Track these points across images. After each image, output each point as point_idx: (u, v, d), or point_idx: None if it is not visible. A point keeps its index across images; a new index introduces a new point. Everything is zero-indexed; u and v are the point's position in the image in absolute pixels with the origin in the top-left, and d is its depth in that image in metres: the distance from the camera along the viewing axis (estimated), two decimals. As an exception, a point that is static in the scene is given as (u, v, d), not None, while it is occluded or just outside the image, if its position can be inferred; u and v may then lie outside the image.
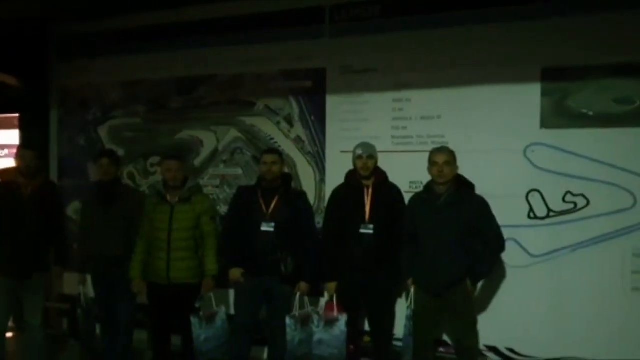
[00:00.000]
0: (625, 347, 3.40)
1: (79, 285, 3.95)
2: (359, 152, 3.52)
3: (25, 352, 3.79)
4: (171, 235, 3.58)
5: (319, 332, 3.45)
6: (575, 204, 3.54)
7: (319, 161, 4.24)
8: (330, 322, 3.44)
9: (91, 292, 4.00)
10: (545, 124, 3.59)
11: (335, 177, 3.92)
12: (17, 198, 3.59)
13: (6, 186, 3.64)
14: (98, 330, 4.03)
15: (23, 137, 5.18)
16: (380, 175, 3.59)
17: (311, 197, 4.04)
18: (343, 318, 3.42)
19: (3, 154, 8.03)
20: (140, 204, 3.83)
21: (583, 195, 3.51)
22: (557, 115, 3.57)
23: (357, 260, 3.43)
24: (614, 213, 3.45)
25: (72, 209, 4.94)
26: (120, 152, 4.76)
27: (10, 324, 3.83)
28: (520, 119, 3.64)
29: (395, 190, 3.62)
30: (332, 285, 3.52)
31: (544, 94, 3.59)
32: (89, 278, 3.99)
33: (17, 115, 5.44)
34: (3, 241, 3.60)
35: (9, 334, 3.87)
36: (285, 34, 4.29)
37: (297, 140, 4.30)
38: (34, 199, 3.63)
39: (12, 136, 7.12)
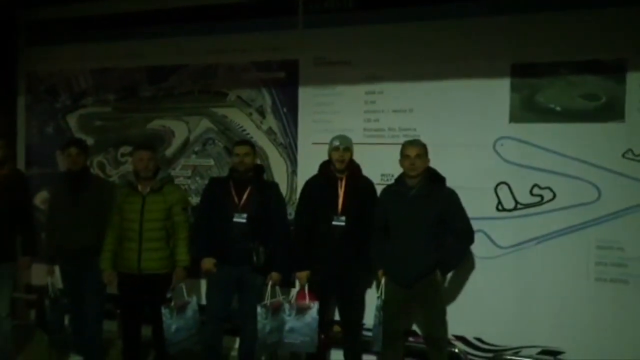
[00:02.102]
0: (590, 335, 3.49)
1: (47, 276, 3.90)
2: (336, 143, 3.53)
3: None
4: (143, 226, 3.56)
5: (290, 321, 3.48)
6: (542, 197, 3.61)
7: (290, 153, 4.23)
8: (301, 310, 3.47)
9: (59, 283, 3.95)
10: (514, 118, 3.65)
11: (307, 168, 3.93)
12: (-17, 187, 3.53)
13: (-28, 175, 3.57)
14: (66, 321, 3.98)
15: (-11, 126, 5.05)
16: (354, 168, 3.61)
17: (283, 189, 4.05)
18: (315, 306, 3.45)
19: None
20: (109, 193, 3.80)
21: (549, 189, 3.59)
22: (525, 110, 3.63)
23: (329, 251, 3.45)
24: (579, 206, 3.52)
25: (40, 198, 4.86)
26: (90, 141, 4.69)
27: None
28: (490, 113, 3.69)
29: (368, 183, 3.65)
30: (303, 274, 3.54)
31: (513, 89, 3.64)
32: (57, 269, 3.94)
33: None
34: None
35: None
36: (259, 24, 4.26)
37: (269, 132, 4.29)
38: (1, 188, 3.58)
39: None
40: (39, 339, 4.39)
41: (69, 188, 3.81)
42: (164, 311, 3.52)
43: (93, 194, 3.80)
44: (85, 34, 4.82)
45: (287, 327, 3.49)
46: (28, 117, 5.07)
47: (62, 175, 4.06)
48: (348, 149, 3.54)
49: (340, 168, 3.51)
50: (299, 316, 3.47)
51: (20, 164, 4.96)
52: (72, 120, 4.91)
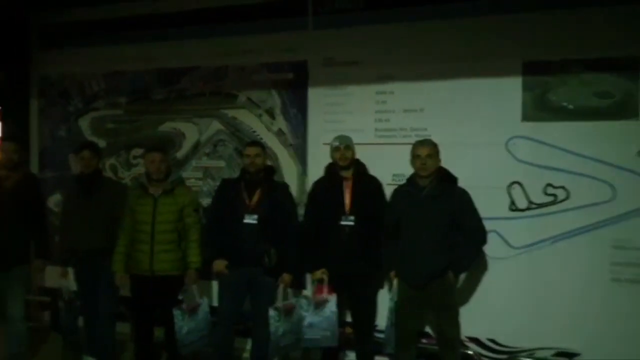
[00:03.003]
0: (606, 337, 3.44)
1: (60, 278, 3.93)
2: (336, 143, 3.53)
3: (8, 344, 3.75)
4: (154, 228, 3.57)
5: (309, 316, 3.45)
6: (556, 196, 3.57)
7: (300, 154, 4.23)
8: (320, 305, 3.45)
9: (73, 285, 3.97)
10: (526, 117, 3.62)
11: (317, 169, 3.91)
12: (-2, 190, 3.56)
13: (-13, 179, 3.61)
14: (80, 322, 4.01)
15: (4, 129, 5.10)
16: (359, 167, 3.60)
17: (293, 190, 4.03)
18: (333, 299, 3.43)
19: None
20: (122, 196, 3.81)
21: (563, 188, 3.55)
22: (538, 108, 3.59)
23: (338, 252, 3.44)
24: (594, 205, 3.48)
25: (53, 201, 4.91)
26: (102, 144, 4.72)
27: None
28: (502, 112, 3.66)
29: (374, 182, 3.63)
30: (317, 273, 3.52)
31: (525, 87, 3.61)
32: (70, 271, 3.96)
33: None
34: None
35: (-9, 327, 3.84)
36: (268, 25, 4.26)
37: (279, 133, 4.29)
38: (15, 191, 3.62)
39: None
40: (53, 340, 4.42)
41: (82, 191, 3.84)
42: (176, 313, 3.53)
43: (105, 197, 3.83)
44: (97, 37, 4.86)
45: (306, 323, 3.46)
46: (41, 120, 5.12)
47: (74, 178, 4.08)
48: (349, 147, 3.53)
49: (344, 165, 3.50)
50: (317, 311, 3.44)
51: (34, 167, 5.01)
52: (84, 123, 4.95)
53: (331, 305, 3.43)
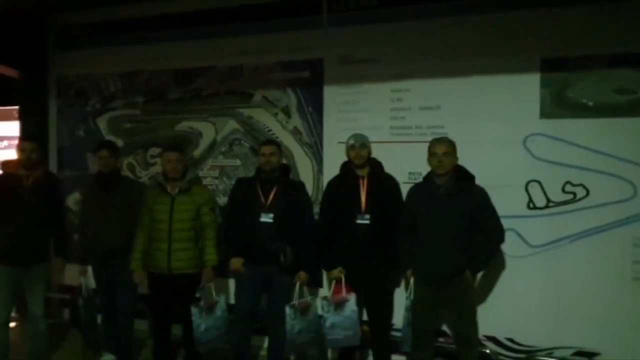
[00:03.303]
0: (627, 336, 3.40)
1: (80, 276, 3.98)
2: (352, 142, 3.52)
3: (28, 341, 3.81)
4: (172, 226, 3.59)
5: (330, 317, 3.44)
6: (575, 194, 3.53)
7: (316, 152, 4.23)
8: (339, 304, 3.44)
9: (92, 283, 4.02)
10: (544, 114, 3.58)
11: (332, 167, 3.91)
12: (18, 189, 3.61)
13: (7, 178, 3.66)
14: (99, 319, 4.05)
15: (23, 129, 5.17)
16: (375, 165, 3.59)
17: (309, 188, 4.04)
18: (352, 298, 3.43)
19: (3, 146, 8.09)
20: (139, 194, 3.83)
21: (583, 186, 3.51)
22: (556, 105, 3.55)
23: (354, 250, 3.43)
24: (614, 203, 3.44)
25: (72, 200, 4.97)
26: (120, 143, 4.77)
27: (13, 314, 3.85)
28: (520, 109, 3.63)
29: (390, 180, 3.61)
30: (334, 272, 3.51)
31: (543, 84, 3.57)
32: (89, 269, 4.01)
33: (16, 107, 5.44)
34: (4, 231, 3.62)
35: (12, 324, 3.91)
36: (283, 24, 4.27)
37: (295, 131, 4.29)
38: (35, 190, 3.65)
39: (12, 128, 7.16)
40: (73, 337, 4.49)
41: (100, 189, 3.88)
42: (193, 311, 3.55)
43: (124, 195, 3.86)
44: (114, 38, 4.91)
45: (327, 323, 3.45)
46: (59, 120, 5.19)
47: (93, 177, 4.12)
48: (364, 145, 3.52)
49: (359, 163, 3.49)
50: (338, 311, 3.43)
51: (53, 167, 5.08)
52: (102, 123, 5.00)
53: (351, 305, 3.42)
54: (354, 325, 3.43)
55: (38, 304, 3.74)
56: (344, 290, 3.46)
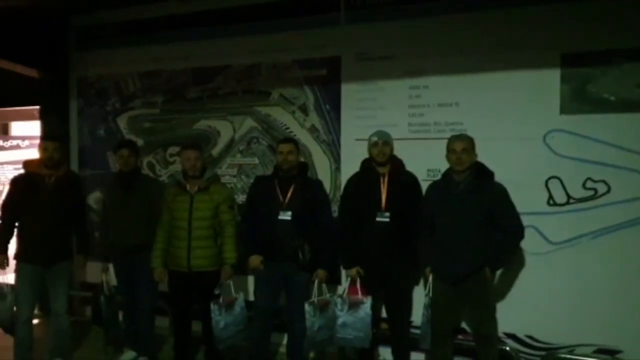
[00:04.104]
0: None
1: (101, 274, 4.03)
2: (375, 139, 3.51)
3: (52, 338, 3.86)
4: (191, 224, 3.62)
5: (343, 316, 3.45)
6: (596, 191, 3.50)
7: (334, 150, 4.24)
8: (354, 305, 3.44)
9: (113, 280, 4.07)
10: (565, 110, 3.55)
11: (350, 165, 3.91)
12: (40, 188, 3.66)
13: (30, 177, 3.71)
14: (120, 317, 4.11)
15: (44, 129, 5.24)
16: (396, 163, 3.57)
17: (327, 186, 4.04)
18: (368, 301, 3.43)
19: (24, 145, 8.25)
20: (159, 193, 3.86)
21: (604, 182, 3.47)
22: (577, 101, 3.52)
23: (374, 248, 3.43)
24: (636, 199, 3.40)
25: (93, 198, 5.03)
26: (140, 142, 4.81)
27: (36, 311, 3.92)
28: (540, 105, 3.59)
29: (411, 178, 3.60)
30: (352, 271, 3.52)
31: (563, 79, 3.54)
32: (110, 266, 4.06)
33: (37, 107, 5.52)
34: (27, 230, 3.68)
35: (36, 321, 3.96)
36: (300, 22, 4.28)
37: (312, 129, 4.30)
38: (57, 189, 3.70)
39: (34, 128, 7.29)
40: (95, 334, 4.55)
41: (121, 188, 3.92)
42: (213, 308, 3.57)
43: (144, 194, 3.90)
44: (133, 38, 4.96)
45: (339, 321, 3.46)
46: (80, 120, 5.25)
47: (114, 176, 4.17)
48: (387, 143, 3.51)
49: (382, 161, 3.48)
50: (351, 311, 3.44)
51: (74, 166, 5.14)
52: (122, 122, 5.06)
53: (366, 307, 3.42)
54: (365, 328, 3.43)
55: (61, 301, 3.79)
56: (359, 291, 3.46)
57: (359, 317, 3.43)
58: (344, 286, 3.67)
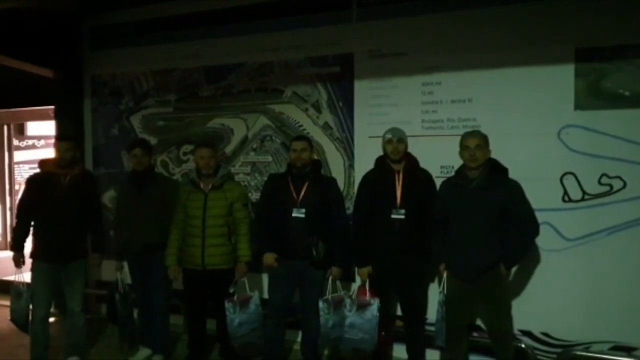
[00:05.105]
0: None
1: (116, 272, 4.05)
2: (389, 136, 3.50)
3: (67, 336, 3.90)
4: (205, 222, 3.64)
5: (351, 316, 3.46)
6: (611, 187, 3.47)
7: (347, 147, 4.23)
8: (362, 307, 3.45)
9: (128, 278, 4.10)
10: (579, 105, 3.52)
11: (364, 162, 3.91)
12: (55, 188, 3.69)
13: (45, 176, 3.74)
14: (135, 314, 4.14)
15: (59, 129, 5.28)
16: (410, 160, 3.57)
17: (340, 183, 4.05)
18: (375, 303, 3.43)
19: (40, 145, 8.33)
20: (173, 191, 3.89)
21: (619, 178, 3.45)
22: (591, 96, 3.49)
23: (389, 245, 3.42)
24: (652, 195, 3.38)
25: (107, 197, 5.07)
26: (153, 140, 4.84)
27: (52, 309, 3.96)
28: (554, 100, 3.57)
29: (426, 175, 3.59)
30: (364, 271, 3.52)
31: (578, 74, 3.51)
32: (125, 265, 4.09)
33: (52, 107, 5.57)
34: (43, 229, 3.72)
35: (51, 319, 3.99)
36: (313, 20, 4.28)
37: (326, 127, 4.30)
38: (72, 188, 3.73)
39: (49, 127, 7.35)
40: (110, 332, 4.58)
41: (135, 187, 3.95)
42: (227, 306, 3.59)
43: (158, 192, 3.92)
44: (146, 37, 4.99)
45: (347, 322, 3.47)
46: (94, 119, 5.28)
47: (128, 175, 4.19)
48: (402, 140, 3.50)
49: (396, 158, 3.47)
50: (359, 312, 3.45)
51: (88, 165, 5.18)
52: (135, 121, 5.08)
53: (373, 309, 3.42)
54: (372, 330, 3.43)
55: (76, 299, 3.83)
56: (367, 293, 3.46)
57: (366, 319, 3.43)
58: (357, 283, 3.67)
